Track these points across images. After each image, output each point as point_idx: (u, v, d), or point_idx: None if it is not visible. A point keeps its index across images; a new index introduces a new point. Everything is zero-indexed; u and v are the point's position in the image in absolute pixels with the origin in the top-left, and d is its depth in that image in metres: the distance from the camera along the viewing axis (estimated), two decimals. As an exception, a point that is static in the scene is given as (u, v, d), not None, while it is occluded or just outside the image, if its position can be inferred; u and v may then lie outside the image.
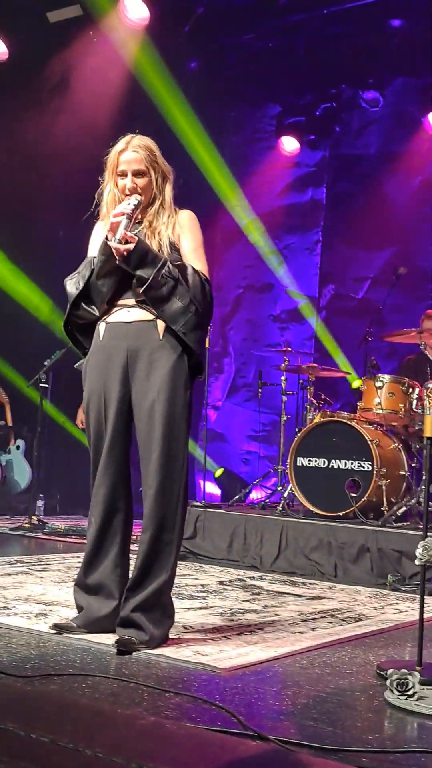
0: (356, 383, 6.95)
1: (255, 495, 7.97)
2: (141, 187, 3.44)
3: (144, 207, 3.46)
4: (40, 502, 7.89)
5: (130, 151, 3.45)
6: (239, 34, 8.95)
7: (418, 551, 2.82)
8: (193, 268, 3.41)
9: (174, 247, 3.44)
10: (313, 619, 4.00)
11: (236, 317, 10.03)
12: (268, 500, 6.89)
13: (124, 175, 3.45)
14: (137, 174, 3.44)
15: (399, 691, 2.67)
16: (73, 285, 3.47)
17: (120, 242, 3.27)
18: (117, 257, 3.31)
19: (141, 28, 8.10)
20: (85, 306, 3.44)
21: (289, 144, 9.51)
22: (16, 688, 2.51)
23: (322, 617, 4.06)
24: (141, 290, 3.31)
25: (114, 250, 3.30)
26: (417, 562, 2.83)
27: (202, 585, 4.82)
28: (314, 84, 9.26)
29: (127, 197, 3.40)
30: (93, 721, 2.15)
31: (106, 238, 3.35)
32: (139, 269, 3.30)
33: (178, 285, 3.34)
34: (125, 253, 3.28)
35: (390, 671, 2.76)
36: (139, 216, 3.45)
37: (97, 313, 3.43)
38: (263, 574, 5.48)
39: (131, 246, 3.28)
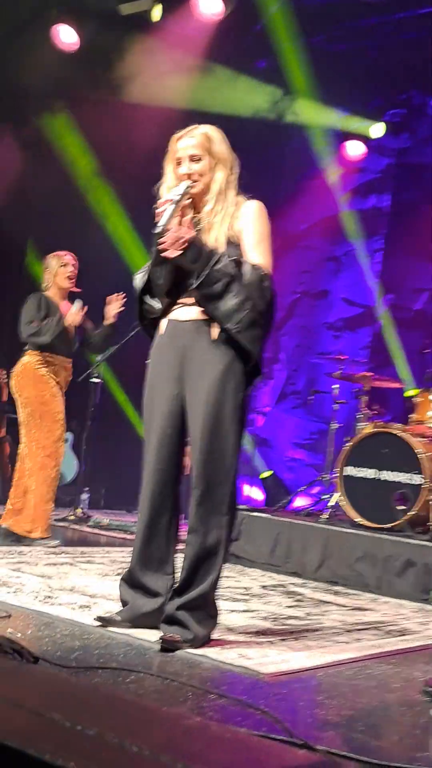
0: (411, 392, 6.84)
1: (299, 502, 7.91)
2: (197, 172, 3.36)
3: (200, 195, 3.38)
4: (84, 496, 7.90)
5: (188, 137, 3.40)
6: (309, 36, 8.89)
7: None
8: (252, 264, 3.31)
9: (232, 241, 3.33)
10: (357, 630, 3.95)
11: (290, 323, 9.96)
12: (312, 508, 6.83)
13: (180, 162, 3.40)
14: (193, 159, 3.37)
15: (447, 710, 2.61)
16: (139, 279, 3.47)
17: (163, 231, 3.22)
18: (162, 250, 3.27)
19: (213, 23, 8.08)
20: (148, 300, 3.44)
21: (354, 149, 9.41)
22: (61, 678, 2.50)
23: (366, 629, 4.00)
24: (193, 287, 3.27)
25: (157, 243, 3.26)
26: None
27: (244, 588, 4.78)
28: (383, 89, 9.17)
29: (177, 186, 3.34)
30: (139, 718, 2.12)
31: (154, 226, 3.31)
32: (195, 265, 3.25)
33: (234, 282, 3.25)
34: (167, 248, 3.22)
35: (438, 688, 2.70)
36: (192, 205, 3.38)
37: (158, 306, 3.40)
38: (305, 581, 5.43)
39: (173, 238, 3.21)
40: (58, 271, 5.84)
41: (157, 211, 3.26)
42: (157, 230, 3.24)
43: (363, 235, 9.53)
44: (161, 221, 3.22)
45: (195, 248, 3.24)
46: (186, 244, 3.22)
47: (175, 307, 3.40)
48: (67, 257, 5.88)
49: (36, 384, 5.68)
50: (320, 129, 9.46)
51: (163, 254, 3.27)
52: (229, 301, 3.24)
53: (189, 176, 3.35)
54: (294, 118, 9.36)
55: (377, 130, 9.31)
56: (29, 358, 5.70)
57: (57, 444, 5.69)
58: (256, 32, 8.69)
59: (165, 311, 3.42)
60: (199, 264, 3.24)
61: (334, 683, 2.98)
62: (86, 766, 1.73)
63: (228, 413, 3.26)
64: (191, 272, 3.28)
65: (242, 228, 3.38)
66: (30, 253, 8.87)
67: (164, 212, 3.23)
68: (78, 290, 5.89)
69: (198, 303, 3.32)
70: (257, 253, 3.35)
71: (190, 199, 3.36)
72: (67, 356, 5.83)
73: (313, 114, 9.26)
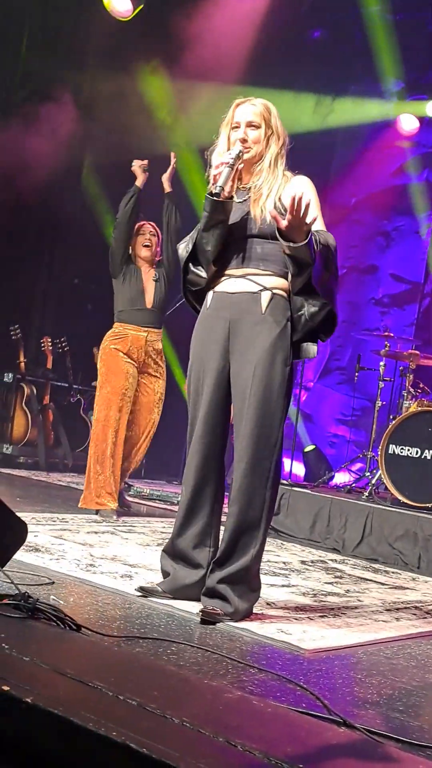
0: None
1: (339, 478, 7.89)
2: (252, 139, 3.36)
3: (250, 163, 3.38)
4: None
5: (248, 104, 3.41)
6: (366, 5, 8.74)
7: None
8: (327, 234, 3.34)
9: (280, 212, 3.29)
10: (397, 609, 3.94)
11: (336, 298, 9.88)
12: (354, 485, 6.82)
13: (237, 127, 3.38)
14: (250, 125, 3.37)
15: None
16: (183, 249, 3.45)
17: (220, 190, 3.22)
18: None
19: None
20: (192, 268, 3.41)
21: (408, 122, 9.25)
22: (103, 647, 2.53)
23: (406, 608, 3.99)
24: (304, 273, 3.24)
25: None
26: None
27: (284, 563, 4.79)
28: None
29: (232, 149, 3.33)
30: (180, 690, 2.14)
31: (210, 192, 3.30)
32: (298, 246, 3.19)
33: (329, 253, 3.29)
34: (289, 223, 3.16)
35: None
36: (243, 173, 3.38)
37: (204, 275, 3.38)
38: (345, 558, 5.43)
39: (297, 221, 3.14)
40: (136, 239, 5.85)
41: (213, 173, 3.27)
42: (216, 191, 3.23)
43: (414, 210, 9.39)
44: (219, 182, 3.23)
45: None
46: (308, 231, 3.18)
47: (222, 279, 3.39)
48: (144, 227, 5.87)
49: (102, 358, 5.73)
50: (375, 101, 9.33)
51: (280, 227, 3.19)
52: (325, 275, 3.28)
53: (243, 141, 3.34)
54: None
55: (409, 122, 9.14)
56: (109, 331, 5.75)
57: (107, 420, 5.62)
58: (311, 3, 8.57)
59: (210, 283, 3.41)
60: (300, 253, 3.19)
61: (374, 662, 2.98)
62: (127, 736, 1.75)
63: (276, 387, 3.26)
64: (239, 241, 3.28)
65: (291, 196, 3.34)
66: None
67: (221, 174, 3.24)
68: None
69: (246, 276, 3.31)
70: (318, 221, 3.36)
71: (243, 164, 3.35)
72: (140, 325, 5.72)
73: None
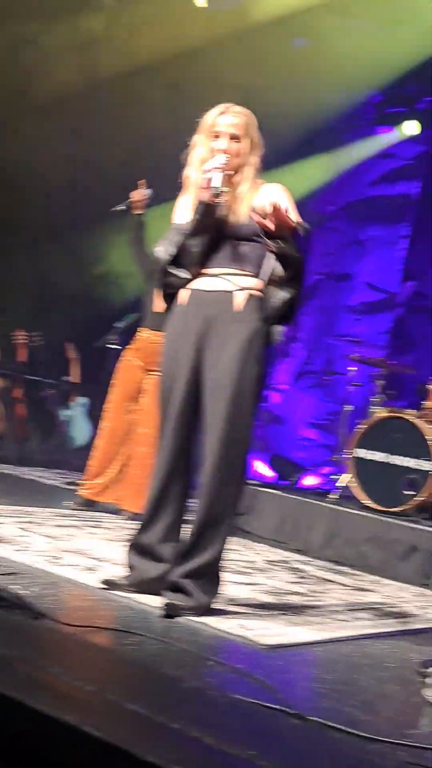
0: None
1: (308, 481, 7.94)
2: (233, 151, 3.40)
3: (230, 175, 3.41)
4: (95, 461, 7.95)
5: (230, 115, 3.43)
6: (349, 17, 8.80)
7: None
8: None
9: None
10: (357, 609, 3.99)
11: (311, 304, 9.94)
12: (322, 487, 6.87)
13: (218, 136, 3.42)
14: (233, 138, 3.41)
15: (440, 692, 2.64)
16: (163, 251, 3.47)
17: (217, 194, 3.27)
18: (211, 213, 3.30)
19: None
20: (173, 271, 3.44)
21: (387, 134, 9.33)
22: (63, 635, 2.55)
23: (366, 609, 4.04)
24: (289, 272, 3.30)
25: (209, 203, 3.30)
26: None
27: (249, 562, 4.83)
28: (419, 75, 9.07)
29: (215, 157, 3.37)
30: (138, 678, 2.18)
31: (200, 197, 3.34)
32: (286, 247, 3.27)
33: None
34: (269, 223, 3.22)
35: (431, 669, 2.74)
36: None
37: (186, 276, 3.42)
38: (309, 560, 5.47)
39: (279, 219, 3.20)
40: None
41: (205, 176, 3.31)
42: (217, 192, 3.27)
43: (389, 221, 9.49)
44: (214, 184, 3.26)
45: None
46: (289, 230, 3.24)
47: (198, 277, 3.43)
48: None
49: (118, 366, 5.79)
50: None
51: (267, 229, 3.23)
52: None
53: (225, 152, 3.38)
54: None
55: (411, 127, 9.23)
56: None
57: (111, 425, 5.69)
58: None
59: (186, 282, 3.44)
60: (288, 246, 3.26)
61: (331, 659, 3.02)
62: (83, 720, 1.78)
63: (248, 385, 3.30)
64: (219, 242, 3.34)
65: (269, 202, 3.40)
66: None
67: (213, 178, 3.28)
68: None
69: (222, 276, 3.36)
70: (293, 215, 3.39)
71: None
72: (151, 328, 5.60)
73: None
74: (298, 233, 3.26)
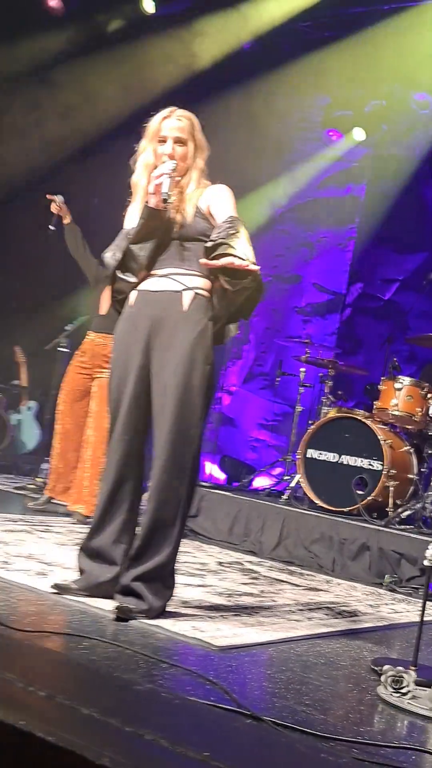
0: (369, 386, 6.92)
1: (259, 482, 7.97)
2: (179, 155, 3.43)
3: (177, 180, 3.43)
4: (45, 465, 7.88)
5: (175, 119, 3.45)
6: (296, 21, 8.87)
7: (428, 552, 2.81)
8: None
9: (201, 215, 3.42)
10: (310, 609, 4.01)
11: (261, 306, 9.91)
12: (273, 488, 6.90)
13: (164, 141, 3.44)
14: (178, 141, 3.43)
15: (393, 688, 2.67)
16: (111, 257, 3.46)
17: (165, 199, 3.27)
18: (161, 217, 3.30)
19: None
20: (121, 276, 3.43)
21: (334, 137, 9.42)
22: (15, 640, 2.52)
23: (318, 608, 4.06)
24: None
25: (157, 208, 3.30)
26: (426, 562, 2.82)
27: (201, 564, 4.83)
28: (366, 80, 9.17)
29: (164, 163, 3.39)
30: (90, 682, 2.16)
31: (147, 201, 3.35)
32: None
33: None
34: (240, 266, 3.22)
35: (385, 667, 2.76)
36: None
37: (133, 280, 3.41)
38: (262, 561, 5.48)
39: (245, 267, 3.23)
40: None
41: (154, 183, 3.31)
42: (165, 197, 3.27)
43: (337, 223, 9.57)
44: (164, 190, 3.28)
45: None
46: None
47: (145, 278, 3.43)
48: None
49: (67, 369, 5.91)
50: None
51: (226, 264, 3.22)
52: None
53: (171, 158, 3.39)
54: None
55: (359, 134, 9.32)
56: None
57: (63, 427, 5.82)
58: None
59: (139, 282, 3.44)
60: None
61: (284, 658, 3.03)
62: (36, 725, 1.76)
63: (196, 385, 3.30)
64: (166, 244, 3.37)
65: (211, 203, 3.46)
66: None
67: (163, 183, 3.29)
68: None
69: (169, 276, 3.36)
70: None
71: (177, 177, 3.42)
72: (96, 330, 5.79)
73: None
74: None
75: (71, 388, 5.78)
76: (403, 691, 2.65)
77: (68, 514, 5.69)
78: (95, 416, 5.63)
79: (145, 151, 3.48)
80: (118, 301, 3.54)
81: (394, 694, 2.65)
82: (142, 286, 3.43)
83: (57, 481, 5.79)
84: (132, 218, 3.51)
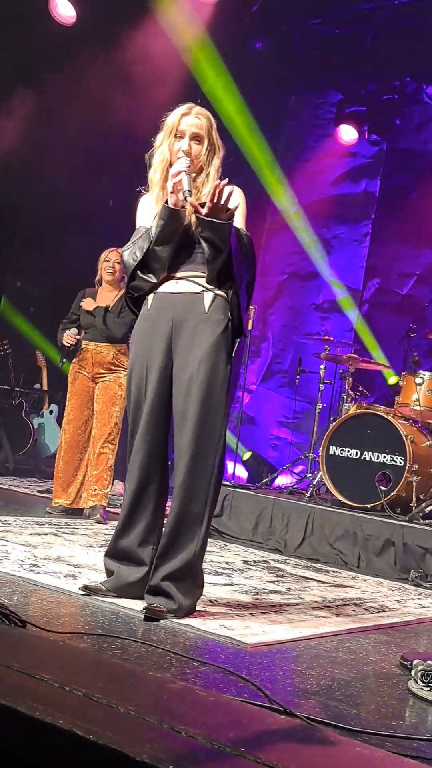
0: (393, 379, 6.95)
1: (282, 480, 7.99)
2: (194, 153, 3.45)
3: (193, 177, 3.45)
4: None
5: (193, 116, 3.48)
6: (307, 19, 8.89)
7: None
8: (246, 232, 3.46)
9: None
10: (337, 605, 4.03)
11: (278, 303, 10.02)
12: (296, 486, 6.92)
13: (181, 137, 3.46)
14: (195, 138, 3.46)
15: (423, 682, 2.68)
16: (130, 256, 3.47)
17: (186, 197, 3.28)
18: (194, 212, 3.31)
19: (211, 4, 8.05)
20: (142, 275, 3.45)
21: (347, 133, 9.42)
22: (48, 642, 2.56)
23: (345, 604, 4.08)
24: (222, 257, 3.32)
25: (189, 205, 3.31)
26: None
27: (227, 563, 4.86)
28: (378, 75, 9.18)
29: (179, 159, 3.41)
30: (126, 681, 2.18)
31: (166, 201, 3.37)
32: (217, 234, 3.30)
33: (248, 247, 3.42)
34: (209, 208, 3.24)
35: (416, 662, 2.78)
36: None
37: (154, 281, 3.43)
38: (287, 558, 5.51)
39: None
40: (102, 265, 6.22)
41: (173, 181, 3.33)
42: (186, 196, 3.29)
43: (353, 219, 9.58)
44: (184, 187, 3.29)
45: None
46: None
47: (163, 280, 3.45)
48: (111, 254, 6.17)
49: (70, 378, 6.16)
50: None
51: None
52: (242, 258, 3.38)
53: (187, 154, 3.41)
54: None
55: (348, 132, 9.32)
56: None
57: (69, 437, 6.08)
58: (252, 13, 8.67)
59: (160, 283, 3.46)
60: (220, 234, 3.28)
61: (314, 655, 3.05)
62: (74, 723, 1.79)
63: (219, 384, 3.33)
64: (188, 245, 3.36)
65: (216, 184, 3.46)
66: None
67: (182, 181, 3.31)
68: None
69: (189, 278, 3.38)
70: (240, 225, 3.50)
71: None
72: (93, 340, 6.05)
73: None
74: (235, 234, 3.30)
75: (78, 395, 6.07)
76: (434, 684, 2.66)
77: (89, 515, 5.83)
78: (98, 415, 5.97)
79: (162, 146, 3.50)
80: (132, 299, 3.56)
81: (424, 687, 2.67)
82: (162, 288, 3.45)
83: (60, 486, 5.99)
84: (145, 212, 3.54)
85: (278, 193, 9.76)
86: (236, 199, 3.48)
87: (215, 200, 3.21)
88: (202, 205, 3.26)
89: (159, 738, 1.79)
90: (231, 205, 3.41)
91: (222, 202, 3.21)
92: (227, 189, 3.32)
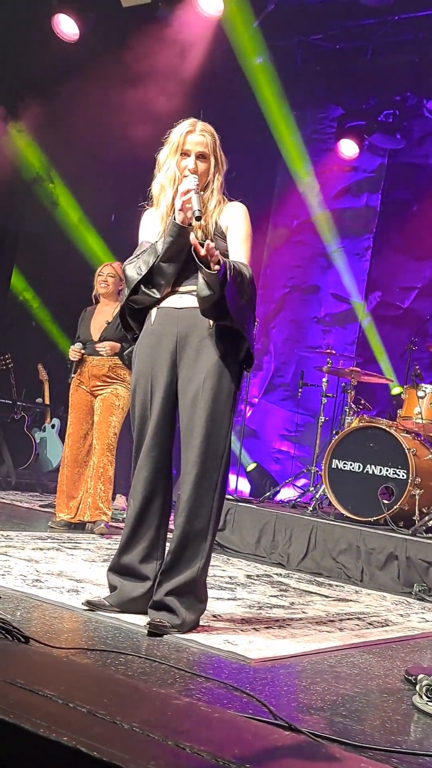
0: (397, 389, 6.95)
1: (284, 494, 7.98)
2: (200, 171, 3.45)
3: (201, 195, 3.46)
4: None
5: (198, 134, 3.47)
6: (307, 34, 8.93)
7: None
8: (245, 264, 3.42)
9: (219, 233, 3.45)
10: (341, 620, 4.02)
11: (280, 316, 10.03)
12: (298, 500, 6.91)
13: (187, 155, 3.46)
14: (200, 156, 3.46)
15: (428, 697, 2.67)
16: (134, 270, 3.45)
17: (199, 217, 3.28)
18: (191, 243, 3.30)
19: (214, 21, 8.09)
20: (145, 290, 3.44)
21: (348, 148, 9.46)
22: (52, 658, 2.55)
23: (349, 619, 4.07)
24: (216, 296, 3.27)
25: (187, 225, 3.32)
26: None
27: (230, 577, 4.84)
28: (379, 89, 9.22)
29: (186, 177, 3.41)
30: (130, 697, 2.18)
31: (173, 218, 3.37)
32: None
33: (243, 284, 3.34)
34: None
35: (420, 677, 2.77)
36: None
37: (158, 296, 3.42)
38: (290, 572, 5.50)
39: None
40: (96, 280, 6.27)
41: (183, 199, 3.33)
42: (197, 215, 3.28)
43: (354, 233, 9.60)
44: (195, 207, 3.27)
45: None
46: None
47: (167, 295, 3.45)
48: (104, 268, 6.26)
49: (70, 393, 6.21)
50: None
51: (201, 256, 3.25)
52: (241, 301, 3.33)
53: (193, 172, 3.41)
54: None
55: (349, 147, 9.35)
56: None
57: (71, 452, 6.11)
58: (253, 28, 8.71)
59: (162, 298, 3.46)
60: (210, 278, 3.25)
61: (318, 670, 3.04)
62: (78, 741, 1.78)
63: (224, 400, 3.33)
64: (190, 260, 3.35)
65: (229, 224, 3.51)
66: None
67: (192, 200, 3.30)
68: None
69: (192, 293, 3.36)
70: (242, 251, 3.49)
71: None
72: (91, 354, 6.11)
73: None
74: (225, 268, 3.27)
75: (77, 409, 6.11)
76: (439, 699, 2.65)
77: (91, 530, 5.83)
78: (97, 426, 6.01)
79: (167, 163, 3.50)
80: (132, 312, 3.55)
81: (429, 703, 2.66)
82: (165, 303, 3.45)
83: (63, 500, 6.01)
84: (149, 228, 3.54)
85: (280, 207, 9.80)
86: (239, 219, 3.50)
87: (206, 255, 3.19)
88: (203, 241, 3.25)
89: (164, 755, 1.78)
90: (232, 225, 3.46)
91: (211, 258, 3.20)
92: (235, 214, 3.44)
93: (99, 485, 5.86)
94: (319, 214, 9.66)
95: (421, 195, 9.05)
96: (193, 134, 3.47)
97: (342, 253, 9.60)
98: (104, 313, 6.14)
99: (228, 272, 3.24)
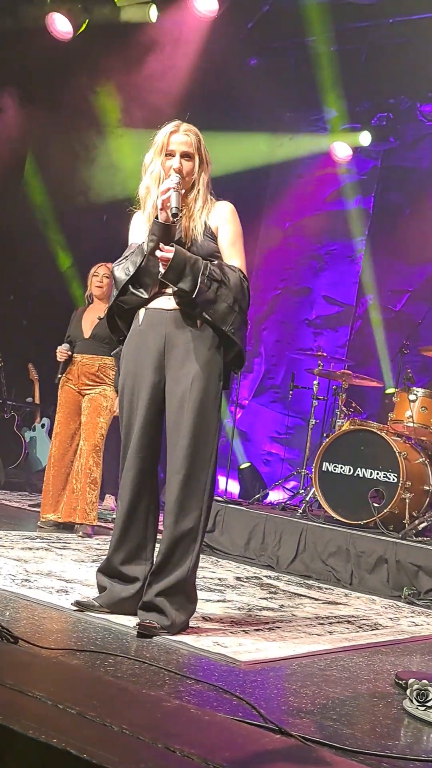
0: (391, 389, 6.94)
1: (274, 496, 7.97)
2: (185, 170, 3.45)
3: (183, 194, 3.45)
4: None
5: (182, 134, 3.48)
6: (301, 36, 8.92)
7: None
8: (231, 267, 3.43)
9: (209, 234, 3.45)
10: (330, 623, 4.01)
11: (271, 318, 10.02)
12: (288, 502, 6.89)
13: (171, 155, 3.46)
14: (185, 156, 3.46)
15: (418, 702, 2.67)
16: (122, 271, 3.45)
17: (175, 214, 3.29)
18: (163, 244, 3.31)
19: (208, 21, 8.07)
20: (133, 290, 3.43)
21: (342, 150, 9.46)
22: (41, 659, 2.53)
23: (339, 622, 4.06)
24: (191, 297, 3.30)
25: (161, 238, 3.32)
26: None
27: (219, 579, 4.83)
28: (372, 92, 9.22)
29: (169, 177, 3.41)
30: (119, 699, 2.16)
31: (156, 217, 3.37)
32: (182, 281, 3.29)
33: (222, 286, 3.35)
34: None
35: (410, 681, 2.76)
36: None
37: (145, 296, 3.42)
38: (279, 575, 5.48)
39: (171, 251, 3.28)
40: (91, 280, 6.25)
41: (162, 198, 3.33)
42: (174, 212, 3.29)
43: (346, 235, 9.60)
44: (173, 204, 3.29)
45: (179, 264, 3.28)
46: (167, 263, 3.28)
47: (155, 296, 3.44)
48: (99, 268, 6.21)
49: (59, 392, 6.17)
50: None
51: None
52: (221, 305, 3.34)
53: (178, 171, 3.41)
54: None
55: (365, 138, 9.35)
56: None
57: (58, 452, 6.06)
58: (248, 30, 8.71)
59: (150, 299, 3.45)
60: (189, 277, 3.28)
61: (308, 673, 3.03)
62: (68, 742, 1.77)
63: (211, 401, 3.33)
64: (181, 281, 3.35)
65: (219, 225, 3.51)
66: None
67: (171, 198, 3.30)
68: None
69: (188, 307, 3.36)
70: (234, 251, 3.51)
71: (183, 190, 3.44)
72: (80, 352, 6.08)
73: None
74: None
75: (65, 407, 6.08)
76: (429, 704, 2.64)
77: (77, 530, 5.80)
78: (84, 426, 5.98)
79: (153, 165, 3.50)
80: (120, 312, 3.53)
81: (419, 707, 2.65)
82: (153, 304, 3.44)
83: (49, 501, 5.96)
84: (137, 230, 3.54)
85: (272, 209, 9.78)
86: (227, 219, 3.50)
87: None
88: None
89: (154, 757, 1.77)
90: (222, 226, 3.49)
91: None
92: (222, 213, 3.48)
93: (86, 488, 5.83)
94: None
95: (413, 198, 9.05)
96: (177, 134, 3.48)
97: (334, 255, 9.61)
98: (97, 311, 6.12)
99: (199, 284, 3.28)
